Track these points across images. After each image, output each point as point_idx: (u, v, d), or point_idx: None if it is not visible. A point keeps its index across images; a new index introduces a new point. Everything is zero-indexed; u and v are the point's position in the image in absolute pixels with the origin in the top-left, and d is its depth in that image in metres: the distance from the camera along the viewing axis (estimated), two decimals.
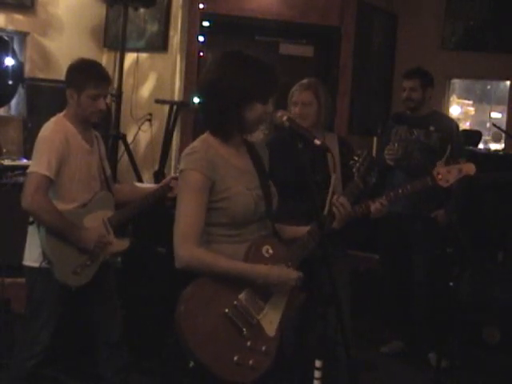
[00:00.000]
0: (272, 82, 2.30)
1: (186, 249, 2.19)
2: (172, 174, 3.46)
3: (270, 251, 2.29)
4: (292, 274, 2.27)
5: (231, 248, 2.26)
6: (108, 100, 4.29)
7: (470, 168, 3.06)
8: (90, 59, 3.30)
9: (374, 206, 3.10)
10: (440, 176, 3.04)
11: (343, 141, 3.53)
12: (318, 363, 2.19)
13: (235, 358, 2.16)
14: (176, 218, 2.23)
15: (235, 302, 2.20)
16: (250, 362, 2.18)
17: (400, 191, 3.22)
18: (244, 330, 2.19)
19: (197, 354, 2.11)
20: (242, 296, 2.21)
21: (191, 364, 2.13)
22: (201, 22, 5.46)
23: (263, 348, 2.22)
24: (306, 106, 3.30)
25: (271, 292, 2.27)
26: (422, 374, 4.28)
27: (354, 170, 2.64)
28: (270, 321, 2.26)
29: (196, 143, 2.32)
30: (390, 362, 4.49)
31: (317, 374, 2.19)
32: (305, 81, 3.41)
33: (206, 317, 2.14)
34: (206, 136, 2.34)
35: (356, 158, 2.65)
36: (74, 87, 3.10)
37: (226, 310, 2.17)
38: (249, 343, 2.19)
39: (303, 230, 2.43)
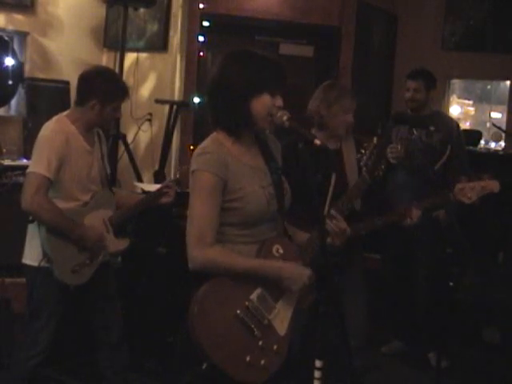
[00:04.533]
0: (278, 73, 2.26)
1: (200, 251, 2.18)
2: (168, 179, 3.43)
3: (280, 250, 2.29)
4: (305, 271, 2.26)
5: (243, 248, 2.24)
6: None
7: (494, 185, 2.92)
8: (109, 68, 3.27)
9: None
10: (462, 192, 2.96)
11: (360, 141, 3.53)
12: (318, 363, 2.18)
13: (247, 359, 2.16)
14: (189, 220, 2.22)
15: (247, 303, 2.19)
16: (262, 361, 2.18)
17: (417, 204, 3.11)
18: (255, 330, 2.19)
19: (210, 356, 2.10)
20: (253, 296, 2.21)
21: (204, 365, 2.12)
22: (201, 22, 5.45)
23: (275, 347, 2.22)
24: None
25: (282, 291, 2.27)
26: (422, 374, 4.28)
27: (362, 163, 2.50)
28: (281, 320, 2.26)
29: (207, 143, 2.28)
30: (390, 361, 4.49)
31: (317, 374, 2.18)
32: (344, 86, 3.48)
33: (219, 318, 2.14)
34: (216, 135, 2.29)
35: (363, 151, 2.53)
36: (99, 98, 3.05)
37: (238, 312, 2.17)
38: (260, 343, 2.19)
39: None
